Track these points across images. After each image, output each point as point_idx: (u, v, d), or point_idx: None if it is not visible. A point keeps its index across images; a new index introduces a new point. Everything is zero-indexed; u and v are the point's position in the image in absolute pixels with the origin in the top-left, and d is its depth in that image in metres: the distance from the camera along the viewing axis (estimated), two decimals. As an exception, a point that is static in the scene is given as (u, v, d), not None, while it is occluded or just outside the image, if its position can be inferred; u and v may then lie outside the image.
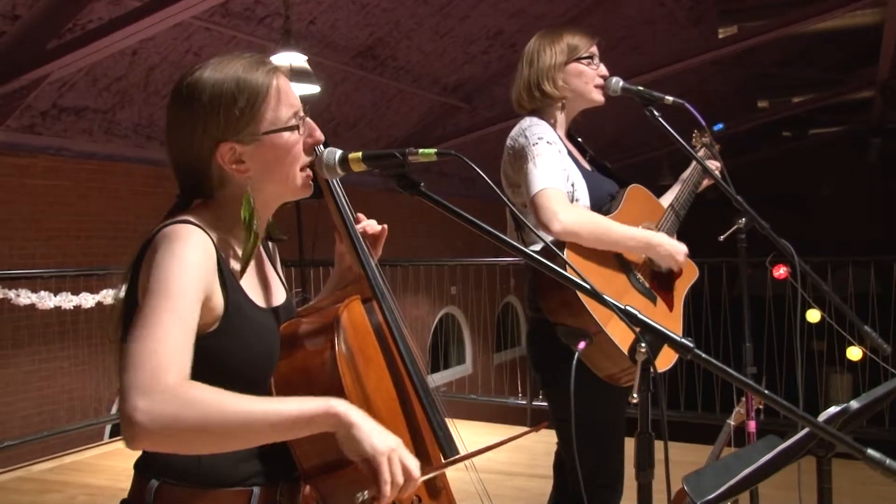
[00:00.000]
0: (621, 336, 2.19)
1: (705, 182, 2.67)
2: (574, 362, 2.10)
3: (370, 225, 1.66)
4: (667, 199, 2.65)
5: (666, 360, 2.29)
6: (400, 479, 1.25)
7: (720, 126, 2.70)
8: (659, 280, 2.47)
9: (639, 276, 2.41)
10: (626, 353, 2.13)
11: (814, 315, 3.60)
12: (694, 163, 2.60)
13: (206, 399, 1.18)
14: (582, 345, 2.16)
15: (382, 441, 1.25)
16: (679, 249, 2.42)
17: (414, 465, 1.27)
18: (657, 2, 9.56)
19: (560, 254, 2.25)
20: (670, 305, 2.47)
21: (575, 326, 2.23)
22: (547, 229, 2.26)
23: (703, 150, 2.69)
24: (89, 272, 6.04)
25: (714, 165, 2.60)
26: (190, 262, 1.28)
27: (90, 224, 7.15)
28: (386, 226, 1.67)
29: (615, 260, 2.38)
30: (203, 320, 1.31)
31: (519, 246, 1.38)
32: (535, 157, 2.35)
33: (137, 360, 1.18)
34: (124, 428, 1.15)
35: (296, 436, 1.27)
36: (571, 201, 2.37)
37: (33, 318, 6.28)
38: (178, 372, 1.19)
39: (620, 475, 2.46)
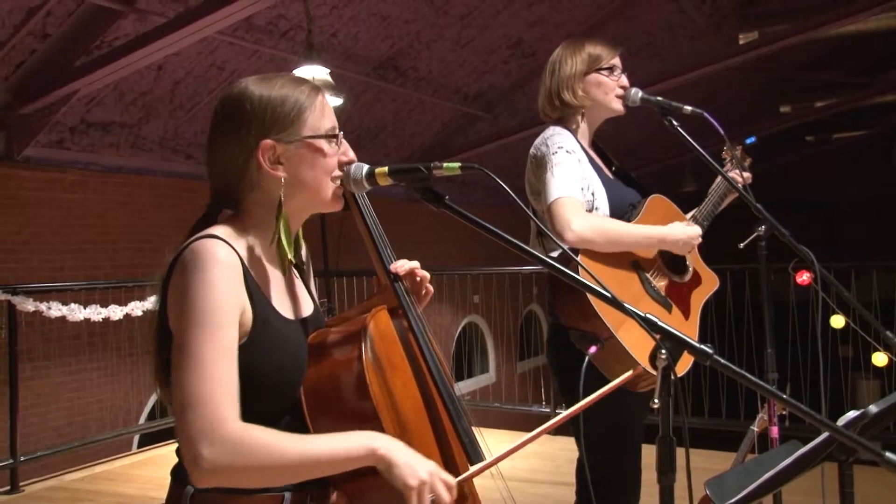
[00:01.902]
0: (633, 341, 2.21)
1: (731, 196, 2.64)
2: (584, 366, 2.12)
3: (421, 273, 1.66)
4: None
5: (681, 365, 2.30)
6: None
7: (752, 139, 2.67)
8: (675, 288, 2.48)
9: (654, 283, 2.42)
10: (637, 358, 2.16)
11: (838, 321, 3.59)
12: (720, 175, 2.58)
13: (265, 447, 1.29)
14: (593, 349, 2.18)
15: (413, 476, 1.34)
16: (692, 232, 2.43)
17: (444, 490, 1.36)
18: (677, 8, 9.55)
19: (577, 260, 2.27)
20: (686, 314, 2.48)
21: (587, 331, 2.25)
22: (561, 238, 2.28)
23: (731, 161, 2.65)
24: (118, 284, 6.13)
25: (742, 178, 2.57)
26: (221, 286, 1.33)
27: (117, 236, 7.26)
28: (428, 275, 1.67)
29: (630, 267, 2.39)
30: None
31: (538, 254, 1.41)
32: (554, 166, 2.37)
33: (195, 403, 1.27)
34: (191, 470, 1.27)
35: (341, 471, 1.38)
36: (591, 210, 2.39)
37: (64, 331, 6.39)
38: (235, 416, 1.29)
39: (637, 480, 2.47)
